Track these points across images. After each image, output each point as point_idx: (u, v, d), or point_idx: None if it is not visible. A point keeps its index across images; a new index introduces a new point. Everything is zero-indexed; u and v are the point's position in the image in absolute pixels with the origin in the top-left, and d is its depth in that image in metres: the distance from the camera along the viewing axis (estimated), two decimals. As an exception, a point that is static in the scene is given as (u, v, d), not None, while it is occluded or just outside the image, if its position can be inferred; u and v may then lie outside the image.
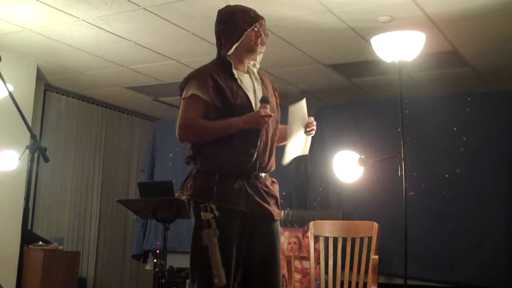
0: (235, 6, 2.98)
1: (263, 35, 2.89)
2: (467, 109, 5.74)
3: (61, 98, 7.71)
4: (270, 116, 2.73)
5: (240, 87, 2.84)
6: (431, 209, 5.68)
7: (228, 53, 2.87)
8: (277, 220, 2.87)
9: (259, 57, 2.99)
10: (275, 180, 2.93)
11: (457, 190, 5.62)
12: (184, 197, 2.86)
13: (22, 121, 3.22)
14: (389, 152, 5.60)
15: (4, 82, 3.18)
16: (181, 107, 2.92)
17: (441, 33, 5.36)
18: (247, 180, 2.77)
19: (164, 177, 7.04)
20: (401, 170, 4.71)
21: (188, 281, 6.38)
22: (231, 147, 2.76)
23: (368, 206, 5.94)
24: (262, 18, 2.91)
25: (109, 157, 8.34)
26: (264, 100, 2.77)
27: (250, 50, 2.89)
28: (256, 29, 2.86)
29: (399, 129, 4.91)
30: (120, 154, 8.55)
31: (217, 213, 2.51)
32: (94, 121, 8.14)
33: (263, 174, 2.82)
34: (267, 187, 2.85)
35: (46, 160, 3.31)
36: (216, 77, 2.82)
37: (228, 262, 2.64)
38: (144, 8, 5.03)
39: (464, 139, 5.69)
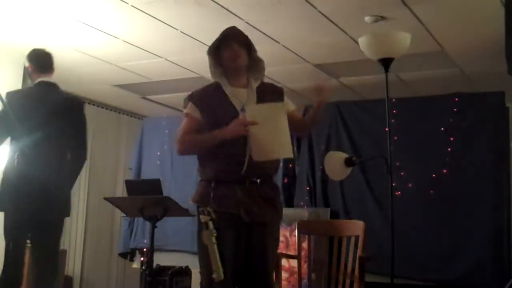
0: None
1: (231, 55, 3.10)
2: (455, 110, 5.77)
3: (48, 95, 7.65)
4: (247, 123, 2.91)
5: (230, 103, 3.04)
6: (418, 209, 5.70)
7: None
8: (273, 224, 3.07)
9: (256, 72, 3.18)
10: (276, 185, 3.16)
11: (444, 190, 5.65)
12: (191, 202, 3.17)
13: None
14: (377, 152, 5.64)
15: (-9, 79, 3.17)
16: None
17: (429, 33, 5.39)
18: (242, 186, 2.97)
19: (151, 175, 7.02)
20: (388, 170, 4.73)
21: (175, 279, 6.39)
22: (224, 157, 2.99)
23: (355, 206, 5.96)
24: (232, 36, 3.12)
25: (96, 154, 8.29)
26: (242, 109, 2.99)
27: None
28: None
29: (386, 129, 4.94)
30: (107, 152, 8.51)
31: (214, 216, 2.73)
32: (81, 118, 8.10)
33: (259, 180, 2.99)
34: (264, 192, 3.02)
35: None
36: (208, 97, 3.07)
37: (227, 259, 2.84)
38: (132, 6, 5.01)
39: (452, 139, 5.71)
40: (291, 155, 3.07)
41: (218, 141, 2.97)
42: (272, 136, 2.95)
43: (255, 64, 3.15)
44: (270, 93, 3.15)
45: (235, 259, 2.94)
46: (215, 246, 2.71)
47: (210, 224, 2.73)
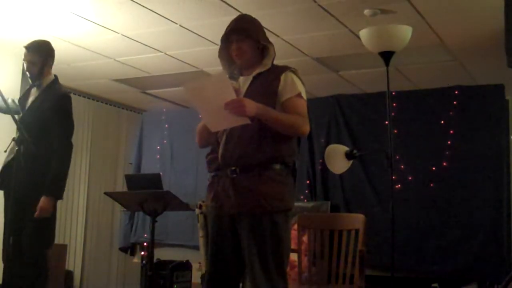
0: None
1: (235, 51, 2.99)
2: (454, 102, 5.76)
3: (48, 90, 7.64)
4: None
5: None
6: (418, 202, 5.70)
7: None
8: (257, 215, 2.77)
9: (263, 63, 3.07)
10: (263, 173, 2.80)
11: (444, 183, 5.65)
12: None
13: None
14: (376, 145, 5.64)
15: (-10, 74, 3.17)
16: None
17: (428, 26, 5.38)
18: (225, 176, 2.85)
19: (151, 170, 7.02)
20: (388, 163, 4.73)
21: (175, 273, 6.40)
22: (210, 146, 3.00)
23: (355, 199, 5.96)
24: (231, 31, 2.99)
25: (96, 149, 8.30)
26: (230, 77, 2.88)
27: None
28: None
29: (386, 122, 4.93)
30: (107, 147, 8.51)
31: (204, 209, 2.63)
32: (80, 113, 8.08)
33: (238, 168, 2.80)
34: (240, 181, 2.80)
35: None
36: None
37: (211, 251, 2.84)
38: (131, 0, 5.01)
39: (452, 132, 5.71)
40: (245, 122, 2.70)
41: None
42: (220, 107, 2.67)
43: (264, 49, 3.04)
44: (266, 77, 2.98)
45: (215, 253, 2.86)
46: (202, 239, 2.73)
47: (201, 217, 2.72)
